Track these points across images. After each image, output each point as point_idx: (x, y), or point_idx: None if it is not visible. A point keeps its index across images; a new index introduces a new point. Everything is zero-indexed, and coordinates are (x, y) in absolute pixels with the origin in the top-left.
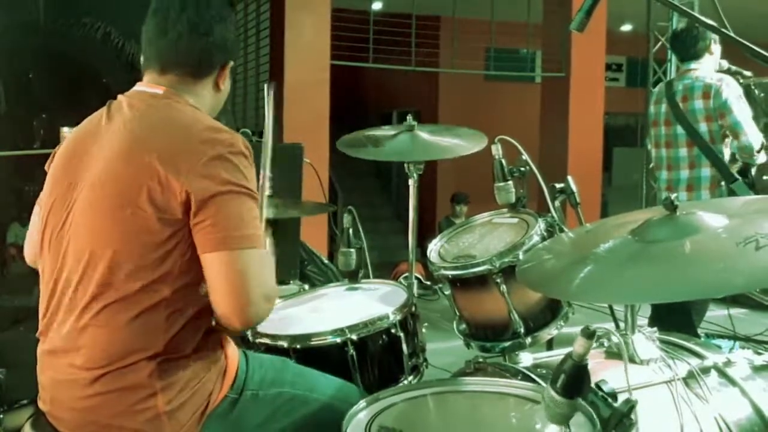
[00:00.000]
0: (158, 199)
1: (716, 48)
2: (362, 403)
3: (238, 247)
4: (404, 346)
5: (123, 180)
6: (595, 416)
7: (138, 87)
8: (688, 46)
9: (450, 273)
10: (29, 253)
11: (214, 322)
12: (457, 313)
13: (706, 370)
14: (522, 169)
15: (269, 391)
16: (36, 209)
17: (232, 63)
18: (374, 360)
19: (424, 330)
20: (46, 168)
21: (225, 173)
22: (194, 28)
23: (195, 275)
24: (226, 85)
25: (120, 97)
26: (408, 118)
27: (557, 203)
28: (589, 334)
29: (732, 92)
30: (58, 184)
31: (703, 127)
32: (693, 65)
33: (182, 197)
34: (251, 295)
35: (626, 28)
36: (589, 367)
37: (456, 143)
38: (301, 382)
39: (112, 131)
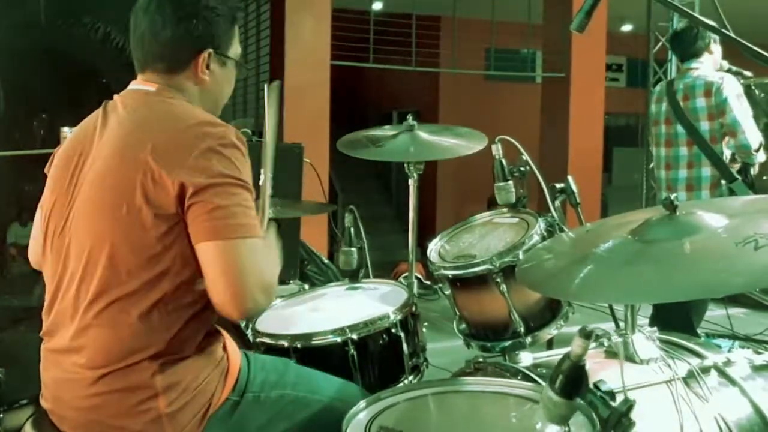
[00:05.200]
0: (151, 195)
1: (716, 48)
2: (362, 403)
3: (233, 237)
4: (405, 346)
5: (118, 178)
6: (594, 416)
7: (132, 86)
8: (687, 45)
9: (450, 273)
10: (33, 255)
11: (215, 324)
12: (457, 313)
13: (706, 370)
14: (522, 168)
15: (271, 393)
16: (38, 212)
17: (210, 50)
18: (375, 359)
19: (424, 330)
20: (45, 171)
21: (218, 165)
22: (153, 25)
23: (195, 270)
24: (214, 75)
25: (115, 97)
26: (408, 118)
27: (557, 203)
28: (586, 335)
29: (732, 90)
30: (58, 185)
31: (704, 125)
32: (693, 64)
33: (175, 191)
34: (247, 284)
35: (626, 28)
36: (590, 366)
37: (456, 143)
38: (302, 383)
39: (108, 131)
